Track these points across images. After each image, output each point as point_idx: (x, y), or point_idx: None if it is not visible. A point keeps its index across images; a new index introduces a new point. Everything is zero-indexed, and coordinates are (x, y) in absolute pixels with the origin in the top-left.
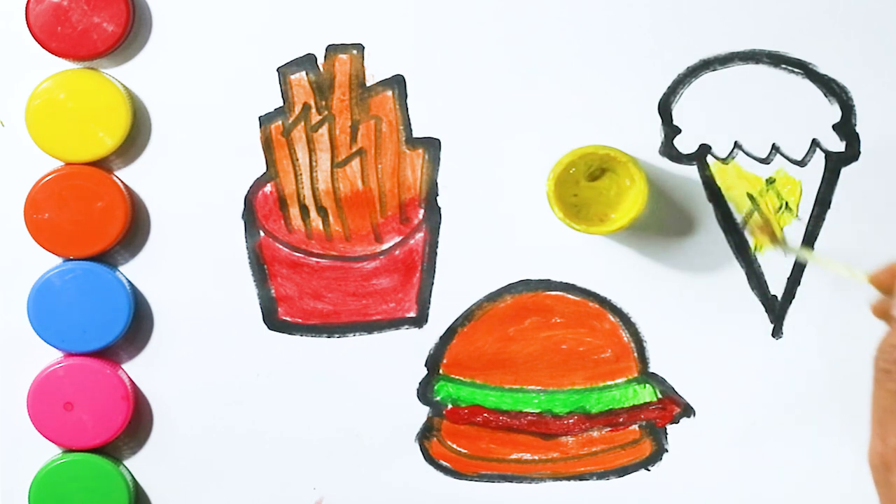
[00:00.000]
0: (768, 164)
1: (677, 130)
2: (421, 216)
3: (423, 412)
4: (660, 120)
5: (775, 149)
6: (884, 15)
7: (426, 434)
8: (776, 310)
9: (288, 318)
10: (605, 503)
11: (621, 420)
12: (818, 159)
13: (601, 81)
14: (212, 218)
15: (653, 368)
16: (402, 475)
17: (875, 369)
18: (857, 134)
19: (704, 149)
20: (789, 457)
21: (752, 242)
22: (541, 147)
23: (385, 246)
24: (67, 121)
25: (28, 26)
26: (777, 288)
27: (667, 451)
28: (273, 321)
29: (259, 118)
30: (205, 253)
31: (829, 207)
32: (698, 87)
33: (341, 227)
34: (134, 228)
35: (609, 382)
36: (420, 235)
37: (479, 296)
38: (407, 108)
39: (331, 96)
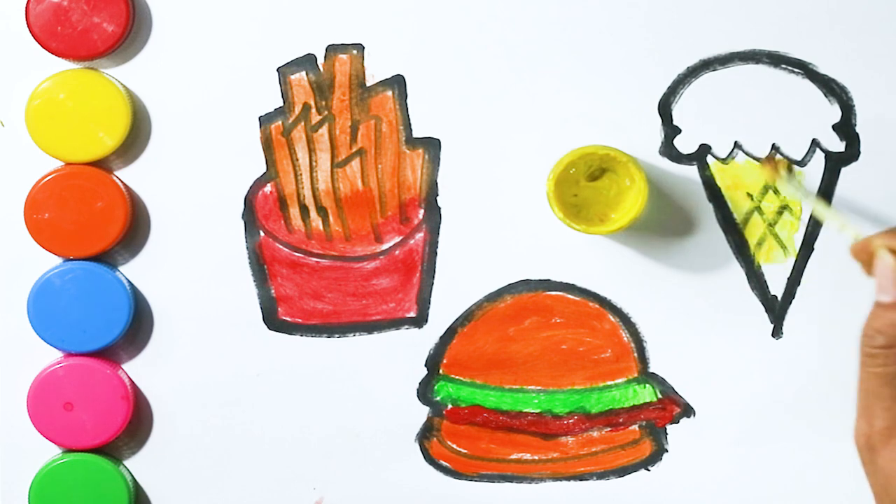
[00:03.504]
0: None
1: (677, 130)
2: (421, 216)
3: (423, 412)
4: (660, 120)
5: (775, 149)
6: (884, 15)
7: (426, 434)
8: (776, 310)
9: (288, 318)
10: (605, 503)
11: (621, 420)
12: (818, 159)
13: (601, 81)
14: (212, 218)
15: (653, 368)
16: (401, 475)
17: (860, 353)
18: (857, 134)
19: (704, 149)
20: (789, 457)
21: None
22: (541, 147)
23: (385, 246)
24: (67, 121)
25: (28, 26)
26: (777, 288)
27: (667, 451)
28: (273, 321)
29: (259, 118)
30: (205, 253)
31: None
32: (698, 87)
33: (341, 227)
34: (134, 228)
35: (609, 382)
36: (420, 235)
37: (479, 296)
38: (407, 108)
39: (331, 96)
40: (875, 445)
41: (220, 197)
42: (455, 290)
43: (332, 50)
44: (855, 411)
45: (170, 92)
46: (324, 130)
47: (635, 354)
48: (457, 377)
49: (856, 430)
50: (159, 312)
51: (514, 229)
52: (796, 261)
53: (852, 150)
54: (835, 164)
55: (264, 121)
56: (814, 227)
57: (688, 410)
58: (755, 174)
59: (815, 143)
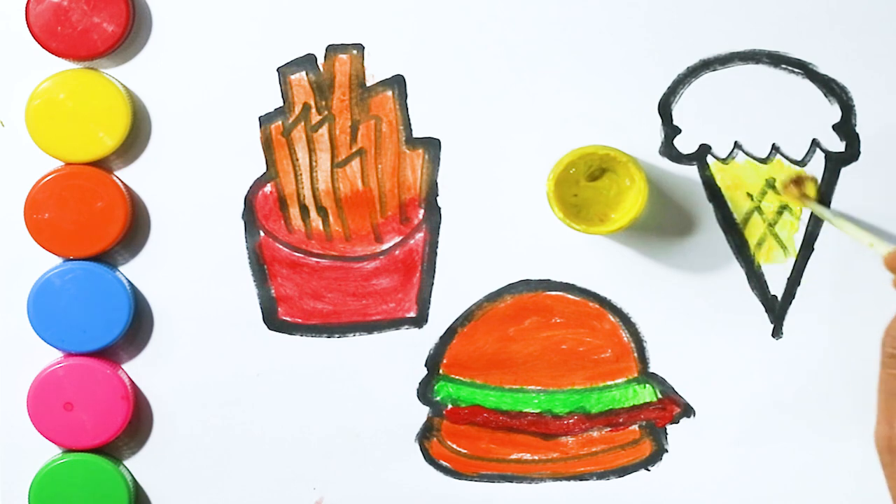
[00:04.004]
0: (768, 164)
1: (677, 130)
2: (421, 216)
3: (423, 412)
4: (660, 120)
5: (775, 149)
6: (884, 15)
7: (426, 434)
8: (776, 310)
9: (288, 318)
10: (605, 503)
11: (621, 420)
12: (818, 159)
13: (601, 81)
14: (212, 218)
15: (653, 368)
16: (402, 475)
17: (882, 353)
18: (857, 134)
19: (704, 149)
20: (789, 456)
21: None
22: (541, 147)
23: (385, 246)
24: (67, 121)
25: (28, 26)
26: (777, 288)
27: (667, 451)
28: (273, 321)
29: (259, 118)
30: (205, 253)
31: (829, 207)
32: (698, 87)
33: (341, 227)
34: (134, 228)
35: (609, 382)
36: (420, 235)
37: (479, 296)
38: (407, 108)
39: (331, 96)
40: None
41: (220, 197)
42: (455, 290)
43: (332, 50)
44: (856, 411)
45: (170, 92)
46: (324, 130)
47: (635, 354)
48: (457, 377)
49: (876, 433)
50: (159, 312)
51: (514, 229)
52: (796, 261)
53: (852, 150)
54: (835, 164)
55: (264, 121)
56: (814, 226)
57: (688, 410)
58: (755, 174)
59: (815, 143)
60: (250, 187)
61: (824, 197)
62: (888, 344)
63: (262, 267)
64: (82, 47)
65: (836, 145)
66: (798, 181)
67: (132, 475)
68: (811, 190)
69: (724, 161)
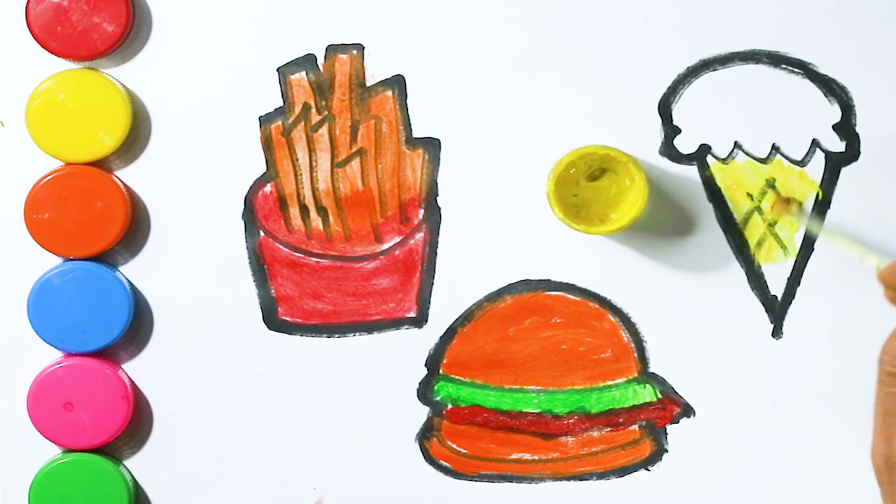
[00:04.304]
0: (768, 164)
1: (677, 130)
2: (421, 216)
3: (423, 412)
4: (660, 120)
5: (775, 149)
6: (884, 15)
7: (426, 434)
8: (776, 310)
9: (288, 318)
10: (605, 503)
11: (621, 420)
12: (818, 159)
13: (601, 81)
14: (212, 218)
15: (653, 368)
16: (402, 475)
17: (879, 371)
18: (857, 134)
19: (704, 149)
20: (789, 457)
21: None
22: (541, 147)
23: (385, 246)
24: (67, 121)
25: (28, 26)
26: (777, 288)
27: (667, 451)
28: (273, 321)
29: (259, 118)
30: (205, 253)
31: (828, 207)
32: (698, 87)
33: (341, 227)
34: (134, 228)
35: (609, 382)
36: (420, 235)
37: (479, 296)
38: (407, 108)
39: (331, 96)
40: (894, 465)
41: (220, 197)
42: (455, 290)
43: (332, 50)
44: (856, 411)
45: (170, 92)
46: (324, 130)
47: (635, 354)
48: (457, 377)
49: (873, 450)
50: (159, 312)
51: (514, 229)
52: (796, 261)
53: (852, 150)
54: (835, 164)
55: (264, 121)
56: None
57: (688, 410)
58: (755, 174)
59: (815, 143)
60: (250, 187)
61: (825, 197)
62: (886, 362)
63: (262, 267)
64: (82, 47)
65: (836, 145)
66: (787, 201)
67: (132, 475)
68: (798, 206)
69: (724, 161)
